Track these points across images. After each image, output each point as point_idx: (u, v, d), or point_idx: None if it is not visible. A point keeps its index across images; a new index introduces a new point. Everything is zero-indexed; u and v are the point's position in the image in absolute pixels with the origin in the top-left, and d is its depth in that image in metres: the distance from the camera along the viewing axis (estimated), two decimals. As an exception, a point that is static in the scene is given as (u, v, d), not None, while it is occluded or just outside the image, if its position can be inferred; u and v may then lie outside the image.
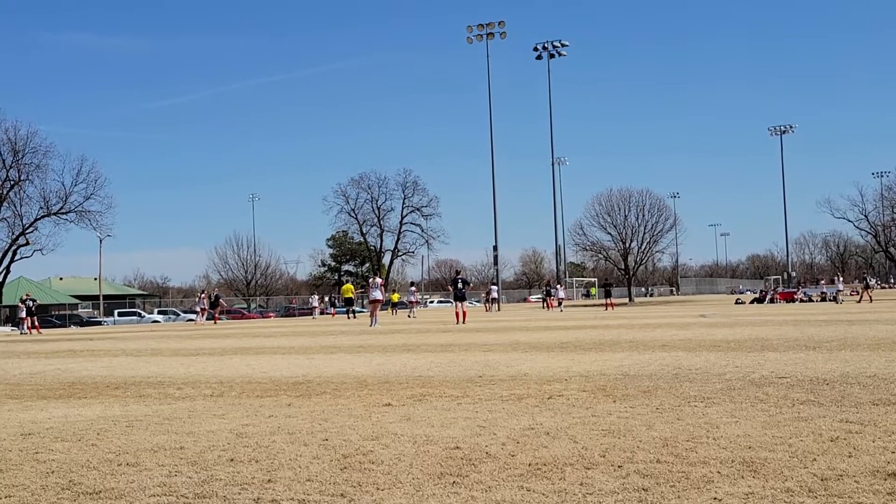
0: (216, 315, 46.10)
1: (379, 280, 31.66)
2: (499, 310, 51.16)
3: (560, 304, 51.16)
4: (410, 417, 6.86)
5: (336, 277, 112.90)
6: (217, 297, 47.76)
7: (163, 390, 9.80)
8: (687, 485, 4.34)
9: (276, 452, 5.55)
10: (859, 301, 43.62)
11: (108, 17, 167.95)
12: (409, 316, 42.33)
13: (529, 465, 4.91)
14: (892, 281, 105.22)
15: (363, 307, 70.50)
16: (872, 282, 65.49)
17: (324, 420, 6.89)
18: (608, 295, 49.42)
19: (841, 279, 49.33)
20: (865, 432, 5.52)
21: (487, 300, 55.31)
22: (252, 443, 5.94)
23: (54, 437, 6.52)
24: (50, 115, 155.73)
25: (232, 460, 5.35)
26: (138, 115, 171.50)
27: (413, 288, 49.76)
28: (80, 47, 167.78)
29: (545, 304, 54.61)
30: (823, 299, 47.90)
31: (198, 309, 49.68)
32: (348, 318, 45.15)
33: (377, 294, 30.34)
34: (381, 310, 36.84)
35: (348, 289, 49.58)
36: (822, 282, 50.09)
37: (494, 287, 57.27)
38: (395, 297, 56.82)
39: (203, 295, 50.33)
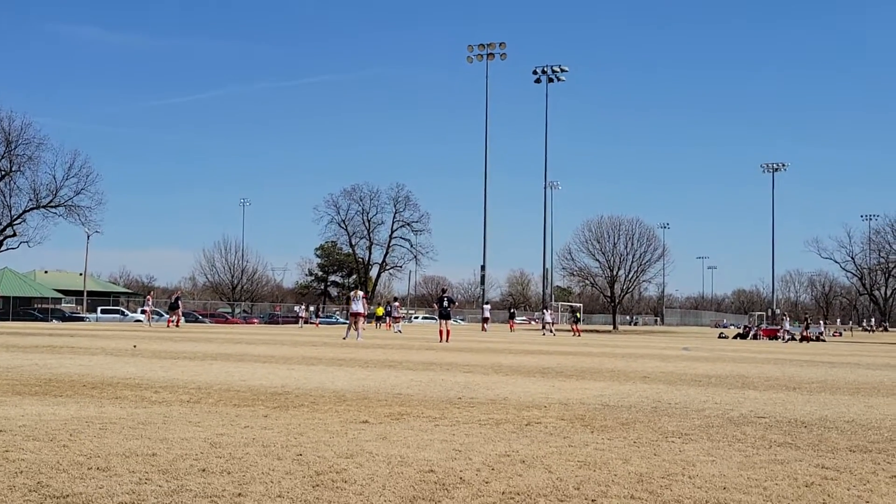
0: (176, 319, 45.42)
1: (360, 293, 31.64)
2: (486, 330, 51.08)
3: (545, 327, 51.22)
4: (386, 437, 6.81)
5: (322, 287, 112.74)
6: (177, 300, 47.03)
7: (140, 393, 9.72)
8: (659, 523, 4.32)
9: (248, 465, 5.50)
10: (801, 341, 45.07)
11: (111, 12, 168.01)
12: (396, 331, 42.30)
13: (503, 493, 4.88)
14: (874, 324, 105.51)
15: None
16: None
17: (299, 434, 6.84)
18: (576, 321, 52.00)
19: (787, 319, 51.07)
20: (841, 479, 5.51)
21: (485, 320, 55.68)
22: (225, 453, 5.89)
23: (26, 436, 6.45)
24: (45, 107, 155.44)
25: (204, 470, 5.30)
26: (135, 113, 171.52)
27: (396, 303, 49.72)
28: (81, 41, 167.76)
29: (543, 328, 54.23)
30: (806, 339, 48.29)
31: (146, 309, 49.78)
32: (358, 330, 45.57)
33: (358, 307, 30.30)
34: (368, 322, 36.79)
35: (378, 311, 50.37)
36: (825, 322, 51.58)
37: (487, 306, 57.31)
38: (380, 311, 56.69)
39: (150, 296, 50.29)
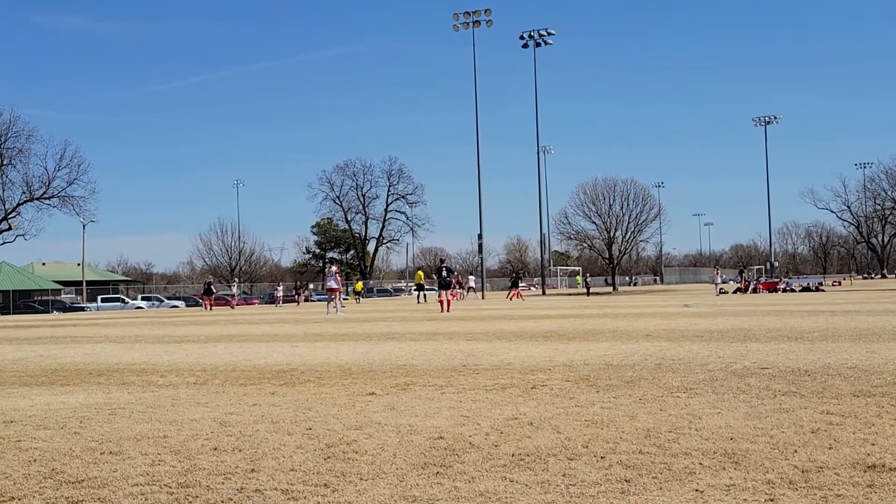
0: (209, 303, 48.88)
1: (334, 268, 32.33)
2: (483, 298, 51.25)
3: (467, 292, 52.27)
4: (394, 407, 6.86)
5: (321, 265, 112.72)
6: (209, 285, 50.00)
7: (146, 378, 9.77)
8: (669, 476, 4.37)
9: (259, 441, 5.55)
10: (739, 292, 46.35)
11: (94, 1, 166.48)
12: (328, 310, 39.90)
13: (513, 455, 4.93)
14: (873, 273, 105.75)
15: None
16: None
17: (307, 409, 6.89)
18: (514, 286, 53.02)
19: (719, 272, 53.26)
20: (846, 424, 5.56)
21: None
22: (236, 431, 5.93)
23: (36, 425, 6.49)
24: (33, 99, 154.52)
25: (215, 449, 5.34)
26: (124, 100, 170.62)
27: (334, 268, 48.91)
28: (67, 31, 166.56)
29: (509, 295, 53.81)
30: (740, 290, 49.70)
31: (234, 291, 57.59)
32: (418, 301, 46.00)
33: (333, 283, 31.07)
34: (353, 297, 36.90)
35: (419, 275, 52.20)
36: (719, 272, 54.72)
37: (472, 277, 57.69)
38: (420, 277, 54.29)
39: (235, 282, 55.85)
